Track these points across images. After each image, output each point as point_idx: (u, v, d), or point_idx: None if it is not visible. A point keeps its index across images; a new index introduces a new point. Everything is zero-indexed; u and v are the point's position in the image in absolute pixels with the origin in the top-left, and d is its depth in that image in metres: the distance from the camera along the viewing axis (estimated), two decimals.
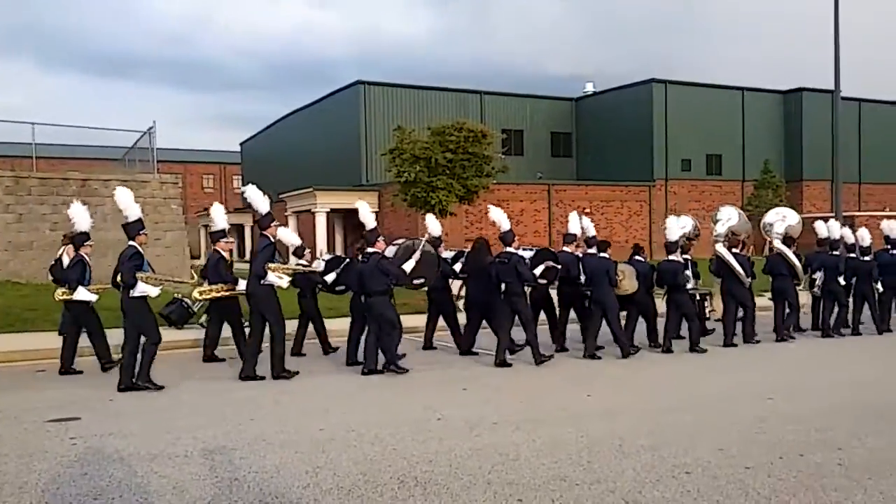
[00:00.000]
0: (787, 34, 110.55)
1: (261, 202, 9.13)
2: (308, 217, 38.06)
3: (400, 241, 11.51)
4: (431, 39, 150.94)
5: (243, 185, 57.24)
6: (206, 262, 10.27)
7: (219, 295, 9.64)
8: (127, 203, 8.63)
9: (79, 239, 9.16)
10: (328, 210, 36.32)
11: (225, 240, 9.86)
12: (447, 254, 11.21)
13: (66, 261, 9.68)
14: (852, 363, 10.39)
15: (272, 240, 9.13)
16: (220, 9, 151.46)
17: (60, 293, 9.39)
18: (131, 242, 8.57)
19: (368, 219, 9.89)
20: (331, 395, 8.08)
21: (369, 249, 9.49)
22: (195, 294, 9.90)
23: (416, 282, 10.35)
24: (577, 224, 10.96)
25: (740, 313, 11.60)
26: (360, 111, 39.70)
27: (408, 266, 9.84)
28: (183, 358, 10.42)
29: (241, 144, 61.22)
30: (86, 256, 9.22)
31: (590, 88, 47.22)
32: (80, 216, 9.05)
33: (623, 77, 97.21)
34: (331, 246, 38.27)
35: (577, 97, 46.77)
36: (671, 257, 11.02)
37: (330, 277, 10.56)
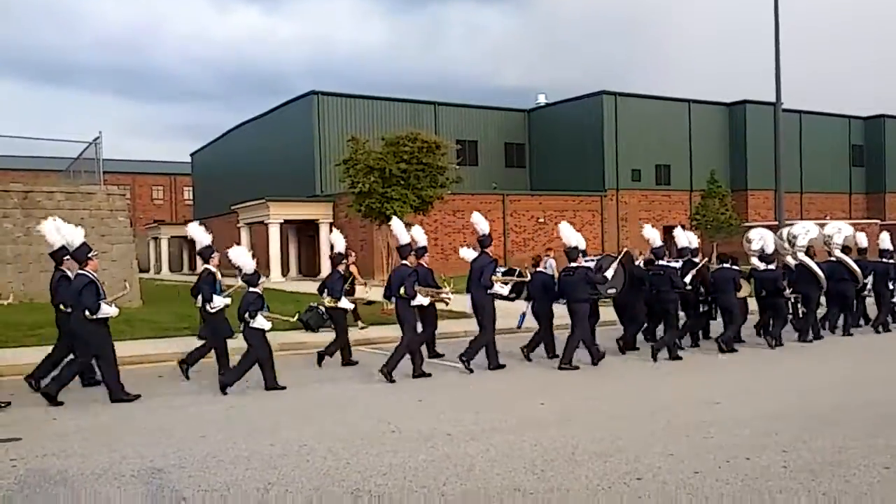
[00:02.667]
0: (731, 48, 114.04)
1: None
2: (261, 228, 37.56)
3: (599, 255, 12.84)
4: (386, 50, 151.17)
5: (194, 195, 55.82)
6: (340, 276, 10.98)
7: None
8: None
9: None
10: (281, 221, 35.89)
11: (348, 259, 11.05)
12: (591, 262, 11.89)
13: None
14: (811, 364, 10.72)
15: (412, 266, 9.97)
16: (171, 17, 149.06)
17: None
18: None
19: (484, 225, 11.05)
20: (283, 410, 7.97)
21: (573, 264, 10.60)
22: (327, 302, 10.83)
23: (609, 291, 11.35)
24: (658, 237, 11.85)
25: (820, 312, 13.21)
26: (314, 121, 39.44)
27: (609, 275, 10.94)
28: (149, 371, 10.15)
29: (192, 155, 60.13)
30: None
31: (542, 100, 47.86)
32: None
33: (575, 88, 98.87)
34: (284, 258, 37.84)
35: (530, 108, 47.35)
36: (771, 266, 12.42)
37: (503, 290, 10.88)
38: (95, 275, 8.50)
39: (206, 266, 10.01)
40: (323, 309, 12.21)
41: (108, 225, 19.42)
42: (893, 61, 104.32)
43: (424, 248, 10.71)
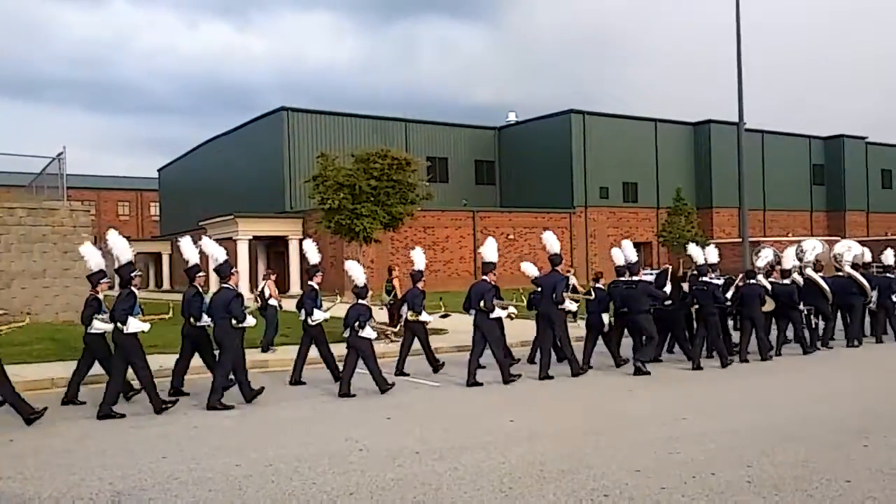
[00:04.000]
0: (697, 69, 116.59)
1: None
2: (229, 244, 36.95)
3: (657, 268, 13.05)
4: (357, 66, 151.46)
5: (161, 212, 55.25)
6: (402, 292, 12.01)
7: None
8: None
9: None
10: (250, 237, 35.58)
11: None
12: (650, 276, 12.60)
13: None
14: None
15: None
16: (139, 31, 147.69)
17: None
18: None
19: (629, 253, 11.99)
20: (249, 429, 7.85)
21: (634, 278, 11.68)
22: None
23: (666, 303, 12.11)
24: (701, 255, 12.49)
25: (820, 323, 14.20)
26: (284, 137, 39.30)
27: (668, 290, 11.90)
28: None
29: (159, 171, 59.42)
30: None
31: (512, 118, 48.34)
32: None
33: (546, 106, 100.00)
34: (253, 275, 37.46)
35: (500, 126, 47.77)
36: (786, 281, 13.33)
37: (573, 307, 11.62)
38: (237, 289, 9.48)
39: (309, 283, 10.94)
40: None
41: (71, 241, 19.02)
42: (852, 82, 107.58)
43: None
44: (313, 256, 11.11)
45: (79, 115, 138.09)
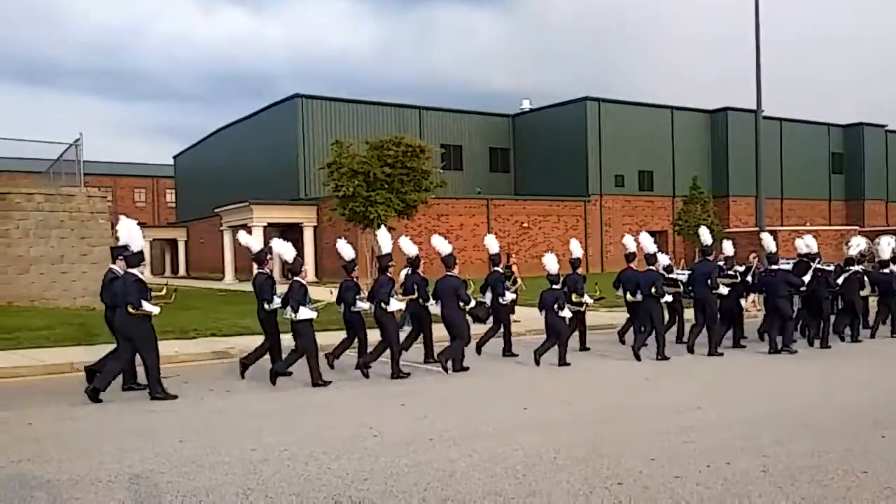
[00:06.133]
0: (715, 56, 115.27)
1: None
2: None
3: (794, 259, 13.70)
4: (373, 53, 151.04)
5: (177, 198, 55.53)
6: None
7: None
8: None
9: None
10: (265, 224, 35.73)
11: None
12: (787, 265, 13.23)
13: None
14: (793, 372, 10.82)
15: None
16: (155, 17, 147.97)
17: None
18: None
19: (771, 244, 12.93)
20: (265, 414, 7.91)
21: (773, 266, 12.50)
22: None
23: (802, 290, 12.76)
24: (772, 243, 13.09)
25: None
26: (298, 124, 39.33)
27: (806, 279, 12.59)
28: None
29: (175, 157, 59.72)
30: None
31: (526, 105, 48.06)
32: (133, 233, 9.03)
33: (562, 93, 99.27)
34: None
35: (514, 114, 47.52)
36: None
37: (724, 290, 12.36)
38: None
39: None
40: (488, 304, 12.27)
41: (88, 227, 19.20)
42: (873, 70, 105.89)
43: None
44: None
45: (95, 101, 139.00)
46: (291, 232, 37.84)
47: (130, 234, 8.97)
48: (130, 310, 8.52)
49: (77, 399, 8.47)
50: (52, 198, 18.88)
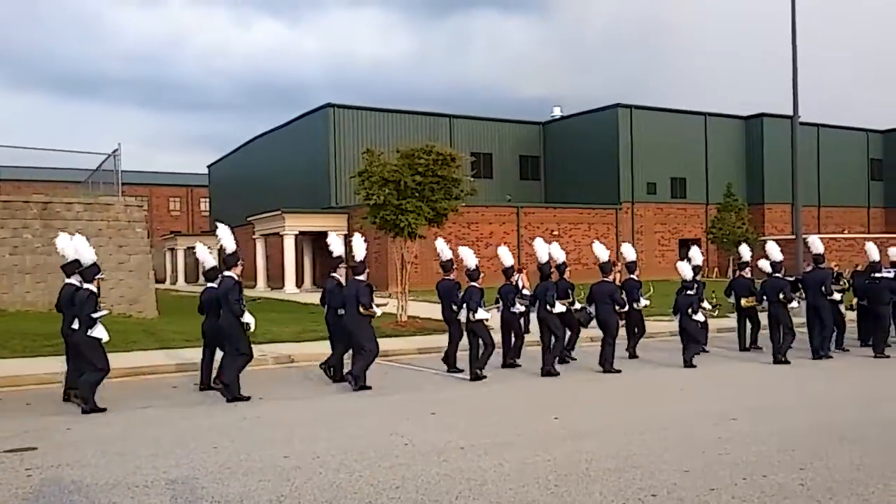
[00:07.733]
0: (750, 61, 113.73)
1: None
2: (276, 240, 37.78)
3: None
4: (405, 63, 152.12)
5: (210, 207, 56.03)
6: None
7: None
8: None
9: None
10: (297, 233, 36.09)
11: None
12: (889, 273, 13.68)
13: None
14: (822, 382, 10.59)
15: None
16: (193, 30, 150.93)
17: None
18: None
19: (875, 252, 13.48)
20: (297, 422, 7.97)
21: (876, 274, 13.13)
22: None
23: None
24: (875, 251, 13.60)
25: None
26: (330, 134, 39.71)
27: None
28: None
29: (209, 167, 60.67)
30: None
31: (557, 113, 47.88)
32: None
33: (595, 101, 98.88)
34: (299, 270, 37.97)
35: (545, 121, 47.39)
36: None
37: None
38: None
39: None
40: (590, 309, 12.25)
41: (125, 236, 19.60)
42: None
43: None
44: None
45: (133, 112, 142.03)
46: (322, 240, 38.21)
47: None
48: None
49: (113, 405, 8.63)
50: (90, 207, 19.32)
